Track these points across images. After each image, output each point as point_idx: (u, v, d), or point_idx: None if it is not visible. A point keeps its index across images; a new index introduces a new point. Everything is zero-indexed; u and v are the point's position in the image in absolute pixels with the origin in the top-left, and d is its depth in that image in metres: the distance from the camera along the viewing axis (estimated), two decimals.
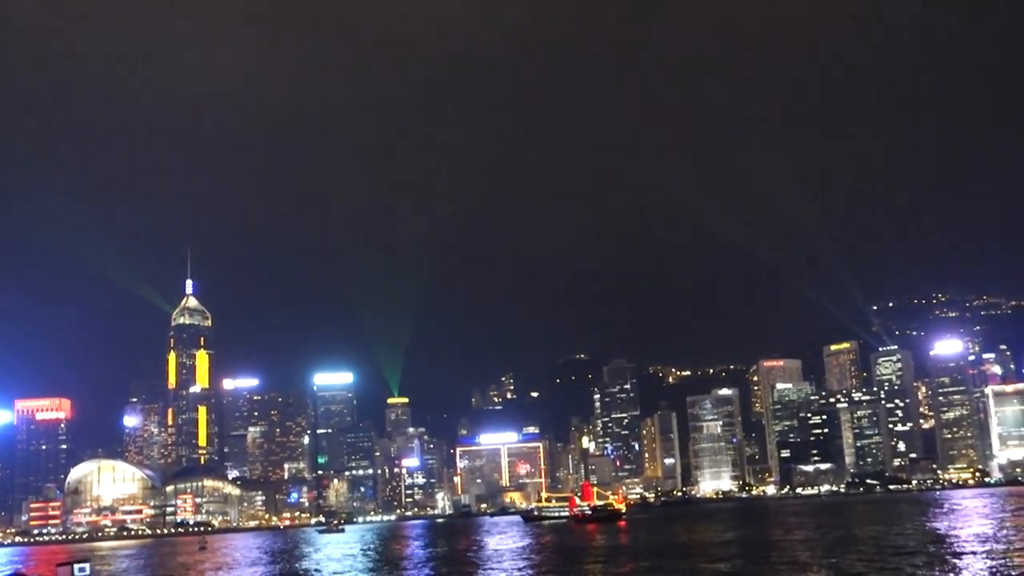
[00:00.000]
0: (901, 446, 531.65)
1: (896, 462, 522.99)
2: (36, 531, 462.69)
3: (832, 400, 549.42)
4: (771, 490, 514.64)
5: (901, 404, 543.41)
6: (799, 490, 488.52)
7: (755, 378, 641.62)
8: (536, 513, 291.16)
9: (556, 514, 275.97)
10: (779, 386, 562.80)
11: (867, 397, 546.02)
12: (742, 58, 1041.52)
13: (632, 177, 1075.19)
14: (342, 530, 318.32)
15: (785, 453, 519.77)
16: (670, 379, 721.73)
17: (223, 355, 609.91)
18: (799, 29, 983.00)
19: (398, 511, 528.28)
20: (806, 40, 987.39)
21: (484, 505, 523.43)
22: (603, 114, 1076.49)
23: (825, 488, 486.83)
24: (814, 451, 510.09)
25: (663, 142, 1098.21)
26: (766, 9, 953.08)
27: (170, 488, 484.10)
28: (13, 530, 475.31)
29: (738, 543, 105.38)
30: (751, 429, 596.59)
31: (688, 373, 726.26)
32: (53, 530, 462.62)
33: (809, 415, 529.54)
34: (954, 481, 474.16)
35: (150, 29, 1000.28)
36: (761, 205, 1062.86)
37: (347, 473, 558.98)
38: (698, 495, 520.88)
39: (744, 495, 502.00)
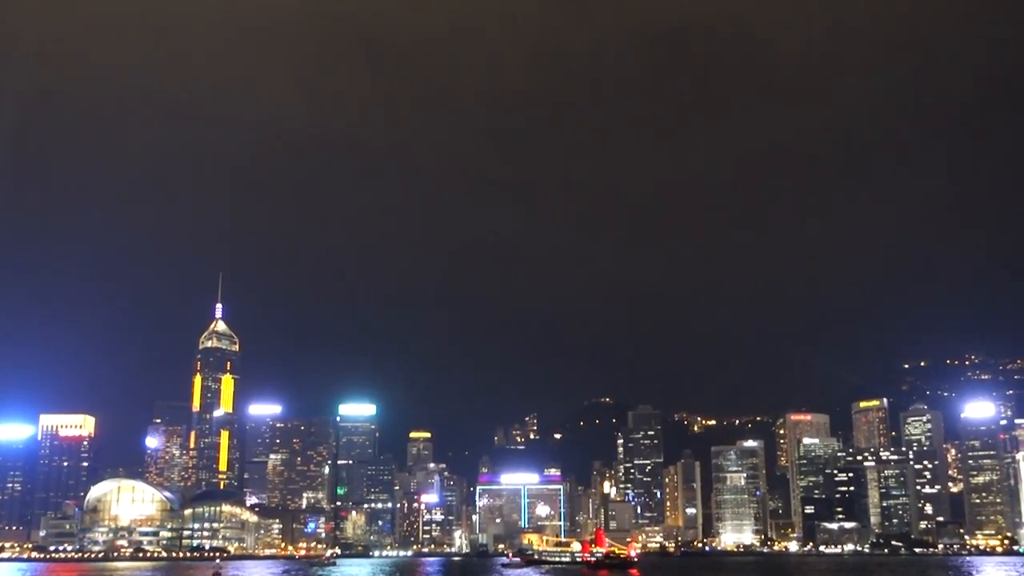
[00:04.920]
0: (928, 508, 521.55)
1: (922, 524, 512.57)
2: (53, 548, 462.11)
3: (859, 458, 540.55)
4: (793, 546, 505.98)
5: (930, 465, 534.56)
6: (822, 548, 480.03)
7: (782, 431, 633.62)
8: (536, 556, 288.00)
9: (557, 559, 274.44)
10: (806, 441, 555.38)
11: (895, 457, 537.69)
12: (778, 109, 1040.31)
13: (659, 228, 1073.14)
14: (334, 563, 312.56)
15: (809, 509, 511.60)
16: (695, 428, 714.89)
17: (248, 381, 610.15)
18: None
19: (415, 547, 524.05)
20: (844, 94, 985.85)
21: (502, 546, 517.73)
22: (629, 167, 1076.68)
23: (849, 547, 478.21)
24: (839, 509, 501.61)
25: (692, 193, 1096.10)
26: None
27: (188, 511, 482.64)
28: (30, 545, 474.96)
29: None
30: (776, 483, 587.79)
31: (713, 423, 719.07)
32: (70, 548, 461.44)
33: (835, 472, 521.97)
34: (981, 547, 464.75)
35: (201, 55, 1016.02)
36: (794, 258, 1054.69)
37: (366, 506, 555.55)
38: (719, 547, 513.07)
39: (766, 550, 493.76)
